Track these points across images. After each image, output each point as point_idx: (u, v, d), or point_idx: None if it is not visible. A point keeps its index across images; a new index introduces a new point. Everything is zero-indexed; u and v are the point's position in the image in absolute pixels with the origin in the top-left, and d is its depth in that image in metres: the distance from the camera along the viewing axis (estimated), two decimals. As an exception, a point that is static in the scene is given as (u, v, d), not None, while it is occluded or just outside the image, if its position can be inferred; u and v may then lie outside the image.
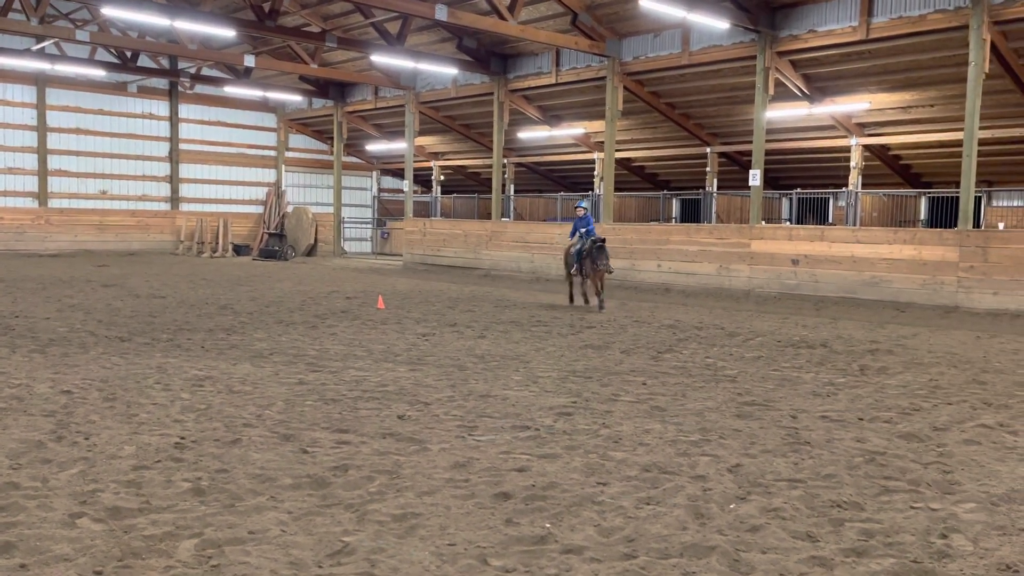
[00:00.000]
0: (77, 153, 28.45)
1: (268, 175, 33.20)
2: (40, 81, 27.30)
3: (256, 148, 32.71)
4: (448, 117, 28.23)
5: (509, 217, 28.41)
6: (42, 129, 27.61)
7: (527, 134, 26.68)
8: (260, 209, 32.87)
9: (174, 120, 30.48)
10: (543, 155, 28.89)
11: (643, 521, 4.39)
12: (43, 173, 27.75)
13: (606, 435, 6.13)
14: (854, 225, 20.28)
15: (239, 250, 30.85)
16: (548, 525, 4.31)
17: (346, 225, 33.33)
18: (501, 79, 23.76)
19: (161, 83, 29.92)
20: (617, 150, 22.57)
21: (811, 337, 11.75)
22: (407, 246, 26.92)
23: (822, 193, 23.11)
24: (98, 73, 26.59)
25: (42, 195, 27.81)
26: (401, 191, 31.12)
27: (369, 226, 35.44)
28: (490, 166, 25.71)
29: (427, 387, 7.80)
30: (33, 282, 17.62)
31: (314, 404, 7.02)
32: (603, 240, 14.63)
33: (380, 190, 36.23)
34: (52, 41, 23.43)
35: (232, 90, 29.14)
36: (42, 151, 27.64)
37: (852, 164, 21.11)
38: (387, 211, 35.50)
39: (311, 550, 3.95)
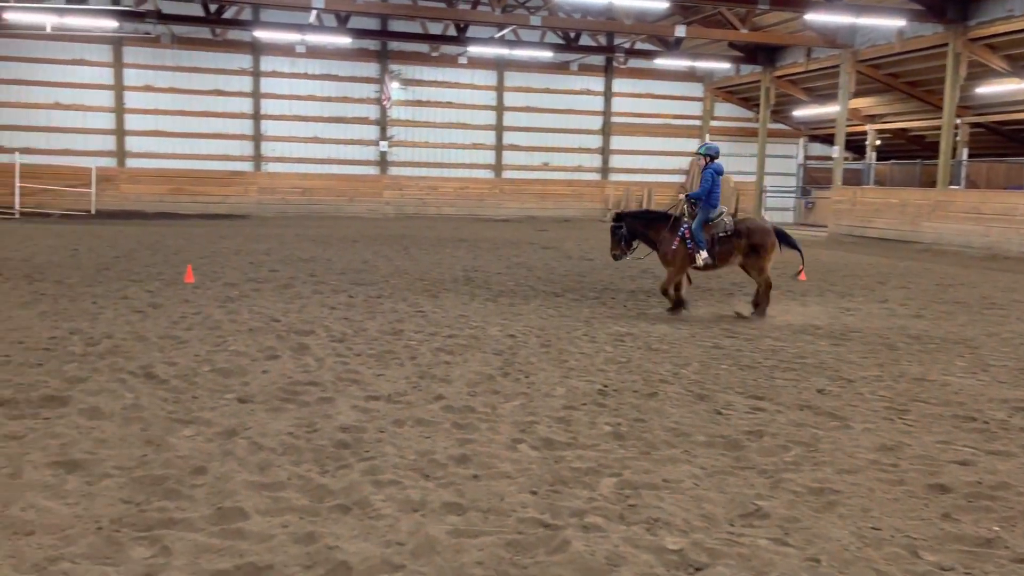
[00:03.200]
0: (526, 129, 31.83)
1: (691, 145, 33.58)
2: (499, 66, 31.03)
3: (681, 118, 33.27)
4: (890, 75, 25.57)
5: (959, 185, 24.95)
6: (499, 109, 31.44)
7: (988, 89, 23.01)
8: (682, 178, 33.49)
9: (607, 95, 32.39)
10: (1008, 112, 24.66)
11: None
12: (499, 148, 31.64)
13: (1080, 440, 5.12)
14: None
15: (661, 218, 31.84)
16: (997, 528, 3.75)
17: (768, 194, 32.37)
18: (958, 27, 20.77)
19: (598, 60, 31.93)
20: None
21: None
22: (833, 216, 25.22)
23: None
24: (546, 55, 29.35)
25: (497, 168, 31.75)
26: (829, 158, 29.18)
27: (792, 195, 33.96)
28: (937, 128, 22.76)
29: (850, 363, 7.28)
30: (488, 243, 20.27)
31: (729, 368, 7.00)
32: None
33: (806, 157, 34.42)
34: (510, 28, 26.43)
35: (662, 62, 29.94)
36: (499, 128, 31.50)
37: None
38: (812, 179, 33.59)
39: (723, 507, 3.98)
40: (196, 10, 25.00)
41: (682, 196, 9.79)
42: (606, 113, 32.46)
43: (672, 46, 28.42)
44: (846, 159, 27.52)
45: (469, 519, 3.79)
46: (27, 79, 26.46)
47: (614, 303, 10.74)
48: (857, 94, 26.35)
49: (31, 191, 25.57)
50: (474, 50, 28.91)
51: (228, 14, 25.78)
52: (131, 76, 27.36)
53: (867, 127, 29.32)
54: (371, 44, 29.33)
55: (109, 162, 27.33)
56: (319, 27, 25.70)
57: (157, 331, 7.88)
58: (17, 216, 24.12)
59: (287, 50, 28.50)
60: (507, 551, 3.48)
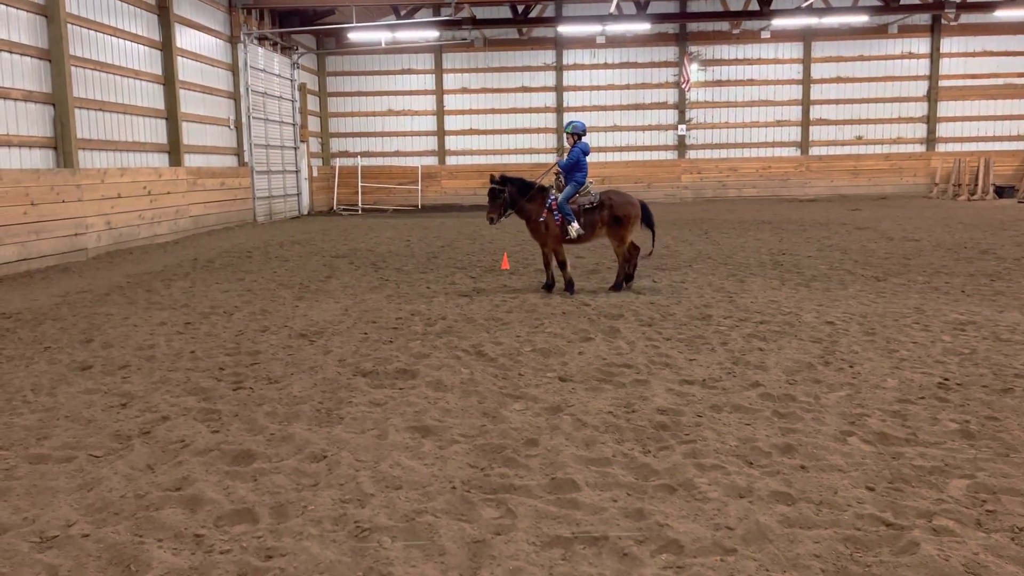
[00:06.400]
0: (836, 102, 29.61)
1: (1042, 105, 29.00)
2: (806, 36, 29.15)
3: (1028, 76, 28.87)
4: None
5: None
6: (806, 82, 29.56)
7: None
8: (1029, 145, 29.05)
9: (934, 56, 29.01)
10: None
11: None
12: (805, 123, 29.79)
13: None
14: None
15: (1001, 192, 27.93)
16: None
17: None
18: None
19: (923, 19, 28.72)
20: None
21: None
22: None
23: None
24: (860, 19, 27.03)
25: (804, 144, 29.93)
26: None
27: None
28: None
29: None
30: (794, 224, 19.23)
31: (1106, 365, 5.99)
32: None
33: None
34: (819, -4, 24.74)
35: (1003, 13, 26.14)
36: (805, 103, 29.64)
37: None
38: None
39: (1110, 524, 3.43)
40: (505, 13, 26.63)
41: (555, 167, 10.22)
42: (932, 77, 29.12)
43: (1018, -7, 24.65)
44: None
45: (800, 510, 3.67)
46: (365, 90, 30.10)
47: (948, 288, 9.66)
48: None
49: (370, 190, 29.21)
50: (779, 23, 27.46)
51: (533, 13, 27.13)
52: (449, 80, 29.90)
53: None
54: (670, 28, 29.10)
55: (431, 161, 30.17)
56: (619, 16, 26.06)
57: (482, 313, 8.59)
58: (359, 212, 27.57)
59: (587, 42, 29.27)
60: (845, 546, 3.32)
